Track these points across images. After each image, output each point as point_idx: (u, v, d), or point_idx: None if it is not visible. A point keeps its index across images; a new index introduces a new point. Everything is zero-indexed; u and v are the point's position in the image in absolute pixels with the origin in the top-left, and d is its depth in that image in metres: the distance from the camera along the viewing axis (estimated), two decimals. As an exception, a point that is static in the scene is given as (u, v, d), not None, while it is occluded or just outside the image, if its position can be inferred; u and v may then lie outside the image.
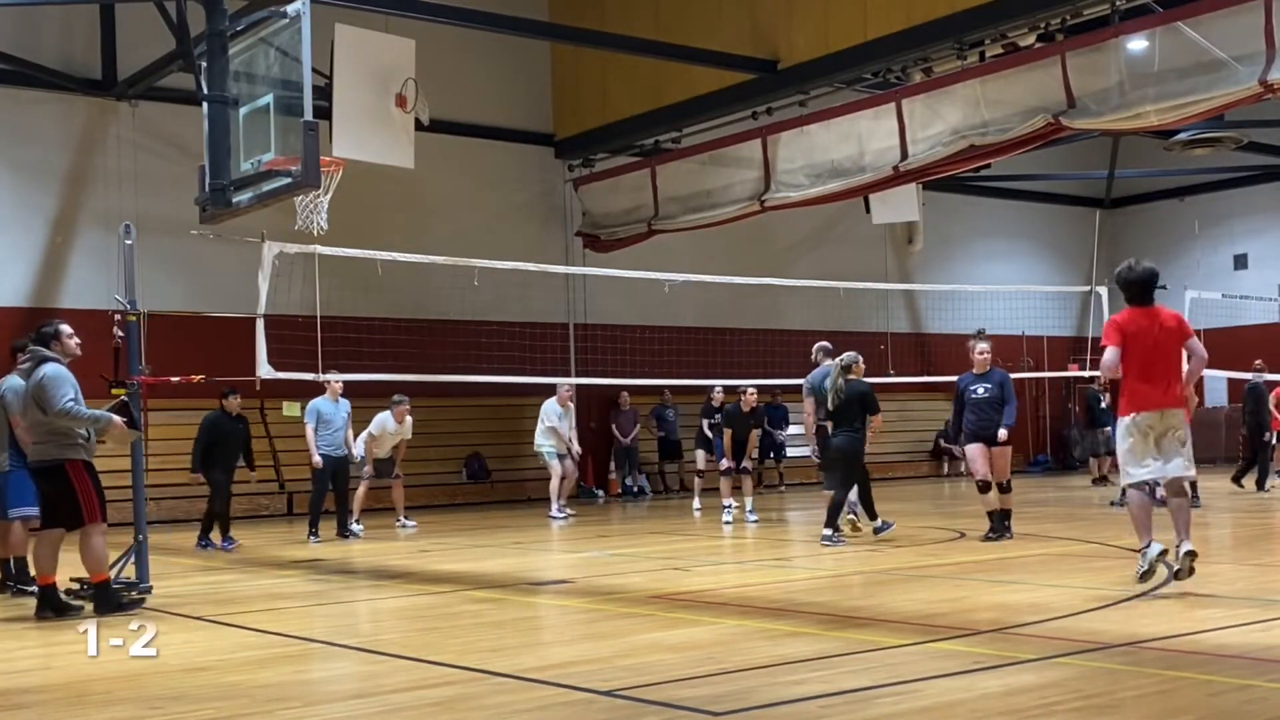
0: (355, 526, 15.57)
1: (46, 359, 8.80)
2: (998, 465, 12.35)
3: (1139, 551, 8.35)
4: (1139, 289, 8.29)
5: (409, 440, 16.35)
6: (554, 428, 17.57)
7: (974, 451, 12.33)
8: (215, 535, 14.06)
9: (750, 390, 15.77)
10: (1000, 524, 12.30)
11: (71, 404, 8.56)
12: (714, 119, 20.10)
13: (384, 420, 15.94)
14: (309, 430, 14.88)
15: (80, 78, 18.91)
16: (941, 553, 11.74)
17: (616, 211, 22.04)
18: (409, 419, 16.02)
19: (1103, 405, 19.53)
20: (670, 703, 5.50)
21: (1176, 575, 8.18)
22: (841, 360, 12.41)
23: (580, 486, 22.26)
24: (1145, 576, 8.22)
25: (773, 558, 12.03)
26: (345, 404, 15.14)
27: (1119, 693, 5.58)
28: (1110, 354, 8.12)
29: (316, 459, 14.69)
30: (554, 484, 17.70)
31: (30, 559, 9.47)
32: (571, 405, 17.86)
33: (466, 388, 18.29)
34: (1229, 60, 13.59)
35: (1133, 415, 8.17)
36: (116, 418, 8.90)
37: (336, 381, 14.85)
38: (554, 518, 17.14)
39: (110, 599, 8.79)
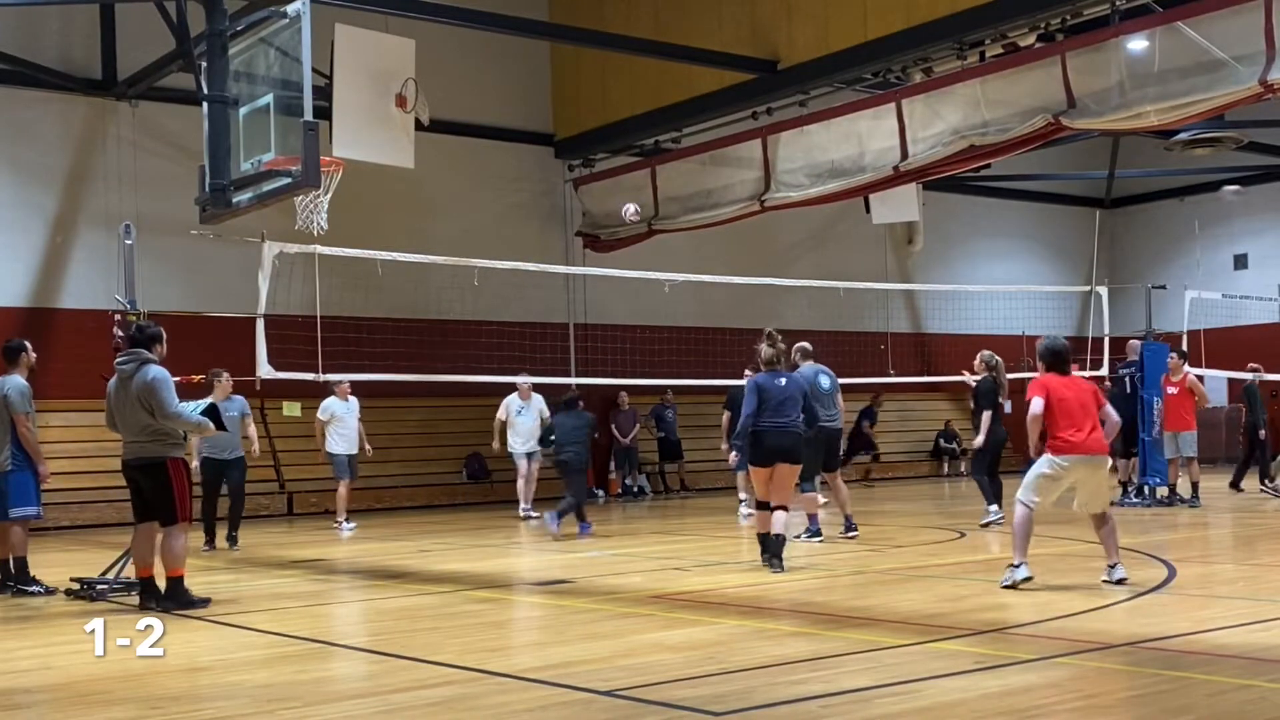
0: (348, 526, 15.85)
1: (149, 360, 9.03)
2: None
3: (1011, 565, 8.71)
4: (1063, 358, 8.93)
5: (367, 427, 16.43)
6: (504, 420, 17.49)
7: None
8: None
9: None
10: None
11: (181, 407, 8.90)
12: (714, 119, 20.09)
13: (329, 404, 15.99)
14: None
15: (80, 78, 18.90)
16: (941, 553, 11.74)
17: (617, 211, 22.01)
18: (353, 399, 16.11)
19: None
20: (670, 703, 5.50)
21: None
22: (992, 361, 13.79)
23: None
24: (1006, 588, 8.62)
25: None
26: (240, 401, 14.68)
27: (1119, 693, 5.58)
28: (1037, 404, 8.67)
29: (194, 464, 13.87)
30: (519, 484, 17.68)
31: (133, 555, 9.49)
32: (535, 398, 17.74)
33: (466, 388, 18.30)
34: (1229, 60, 13.58)
35: (1056, 457, 8.67)
36: (211, 424, 9.14)
37: (227, 381, 14.33)
38: (529, 516, 17.18)
39: (181, 596, 8.91)
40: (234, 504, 14.37)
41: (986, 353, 14.17)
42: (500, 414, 17.58)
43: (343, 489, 16.24)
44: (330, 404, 15.99)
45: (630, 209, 17.18)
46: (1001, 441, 14.13)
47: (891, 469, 25.08)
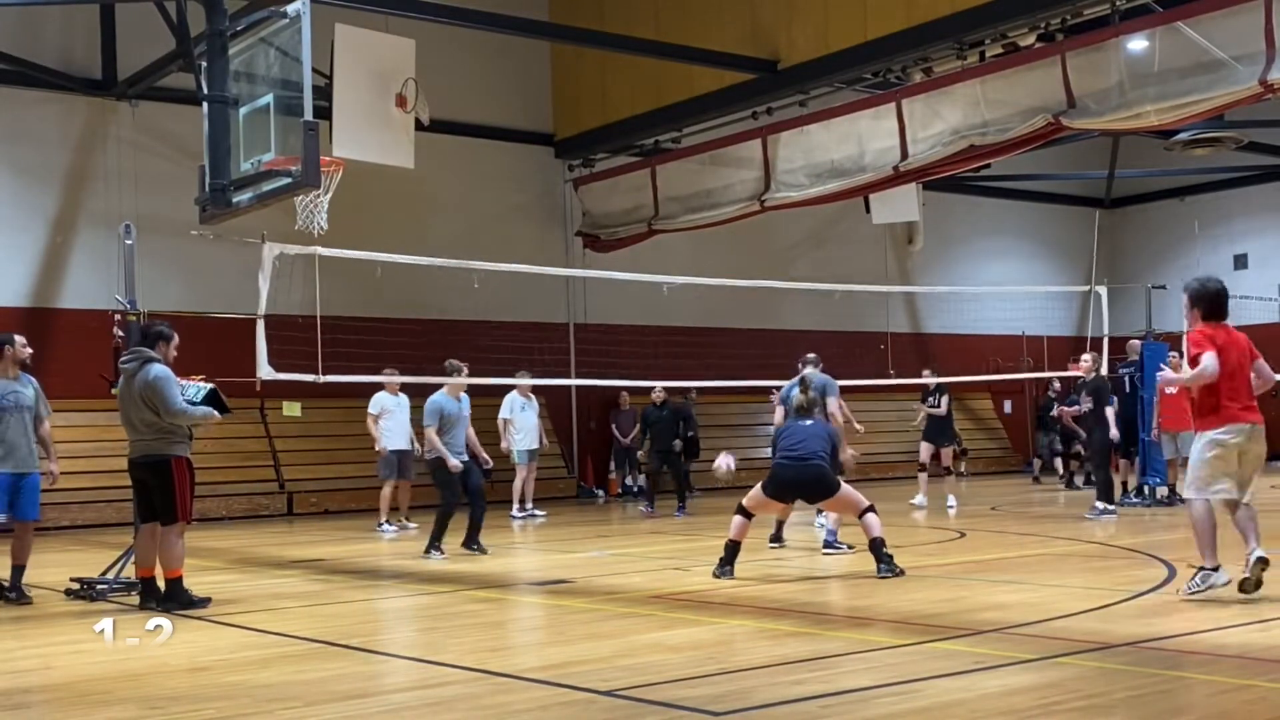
0: (388, 527, 15.58)
1: (151, 359, 9.08)
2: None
3: (1199, 569, 7.95)
4: (1220, 304, 8.29)
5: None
6: (507, 419, 17.54)
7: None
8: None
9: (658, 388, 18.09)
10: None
11: (184, 404, 8.94)
12: (714, 119, 20.09)
13: (382, 399, 15.89)
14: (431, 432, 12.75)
15: (80, 78, 18.90)
16: (941, 553, 11.74)
17: (616, 211, 22.04)
18: (402, 395, 15.97)
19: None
20: (670, 703, 5.50)
21: (1243, 587, 7.81)
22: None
23: (580, 487, 22.31)
24: (1194, 594, 7.84)
25: (773, 558, 12.02)
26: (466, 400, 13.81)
27: (1119, 693, 5.58)
28: (1210, 359, 7.88)
29: (454, 462, 12.50)
30: (516, 483, 17.66)
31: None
32: (533, 397, 17.90)
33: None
34: (1229, 60, 13.58)
35: (1221, 430, 7.92)
36: (216, 413, 9.14)
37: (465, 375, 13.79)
38: (515, 518, 17.28)
39: (181, 596, 8.94)
40: (475, 506, 12.71)
41: (1094, 354, 15.81)
42: (504, 412, 17.60)
43: (386, 489, 15.89)
44: (381, 399, 15.80)
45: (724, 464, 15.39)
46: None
47: (891, 469, 25.06)
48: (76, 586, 9.81)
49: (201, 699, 5.93)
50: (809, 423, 10.21)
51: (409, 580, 10.91)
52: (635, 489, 22.15)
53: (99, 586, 9.71)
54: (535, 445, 17.74)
